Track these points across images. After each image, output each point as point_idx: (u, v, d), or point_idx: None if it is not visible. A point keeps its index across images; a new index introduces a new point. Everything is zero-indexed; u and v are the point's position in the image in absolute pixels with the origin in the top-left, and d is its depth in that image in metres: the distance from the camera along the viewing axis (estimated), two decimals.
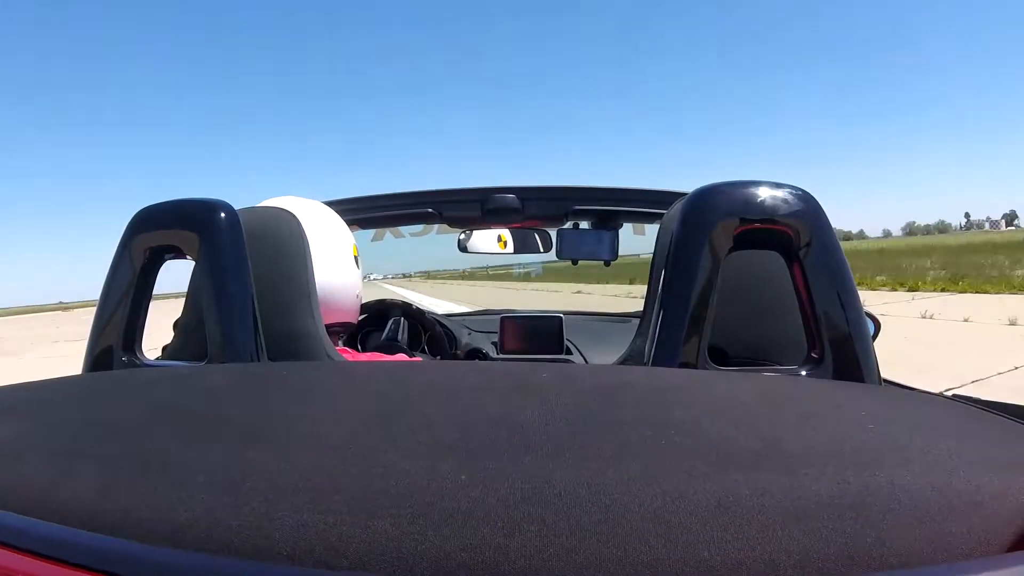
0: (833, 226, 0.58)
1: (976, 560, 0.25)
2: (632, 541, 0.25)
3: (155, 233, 0.67)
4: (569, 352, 1.52)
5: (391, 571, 0.24)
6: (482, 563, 0.24)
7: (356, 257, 0.92)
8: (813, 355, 0.57)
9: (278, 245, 0.74)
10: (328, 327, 0.80)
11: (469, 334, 1.66)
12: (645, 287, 0.71)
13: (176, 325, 0.79)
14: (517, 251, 1.58)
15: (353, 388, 0.45)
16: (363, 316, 1.51)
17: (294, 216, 0.77)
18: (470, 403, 0.39)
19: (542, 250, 1.59)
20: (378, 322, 1.45)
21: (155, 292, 0.69)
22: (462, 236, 1.57)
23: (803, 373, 0.56)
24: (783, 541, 0.25)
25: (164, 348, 0.80)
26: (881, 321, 0.99)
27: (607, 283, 18.41)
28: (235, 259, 0.65)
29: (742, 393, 0.42)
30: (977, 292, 10.11)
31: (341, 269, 0.88)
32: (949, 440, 0.35)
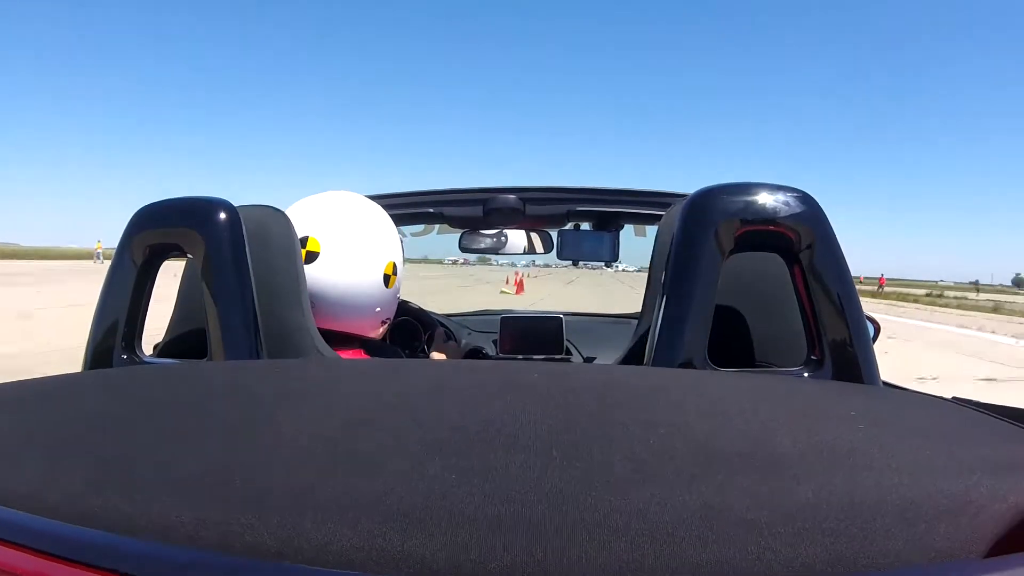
0: None
1: (962, 562, 0.25)
2: (620, 541, 0.24)
3: (156, 231, 0.67)
4: (569, 352, 1.52)
5: (378, 568, 0.24)
6: (469, 562, 0.24)
7: (389, 276, 0.87)
8: (813, 357, 0.56)
9: (269, 242, 0.74)
10: (326, 331, 0.79)
11: (469, 334, 1.66)
12: None
13: (170, 322, 0.78)
14: (517, 252, 1.59)
15: (345, 386, 0.45)
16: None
17: (284, 215, 0.77)
18: (460, 402, 0.39)
19: (543, 250, 1.59)
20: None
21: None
22: (463, 236, 1.57)
23: (803, 375, 0.56)
24: (770, 541, 0.24)
25: (156, 346, 0.80)
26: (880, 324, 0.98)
27: None
28: (236, 257, 0.65)
29: (735, 394, 0.42)
30: None
31: (360, 278, 0.83)
32: (941, 442, 0.35)
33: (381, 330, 0.94)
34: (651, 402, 0.39)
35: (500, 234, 1.59)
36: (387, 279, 0.87)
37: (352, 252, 0.84)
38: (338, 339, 0.83)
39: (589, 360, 1.54)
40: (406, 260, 0.98)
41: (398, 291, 0.93)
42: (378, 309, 0.88)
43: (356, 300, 0.85)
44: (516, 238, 1.60)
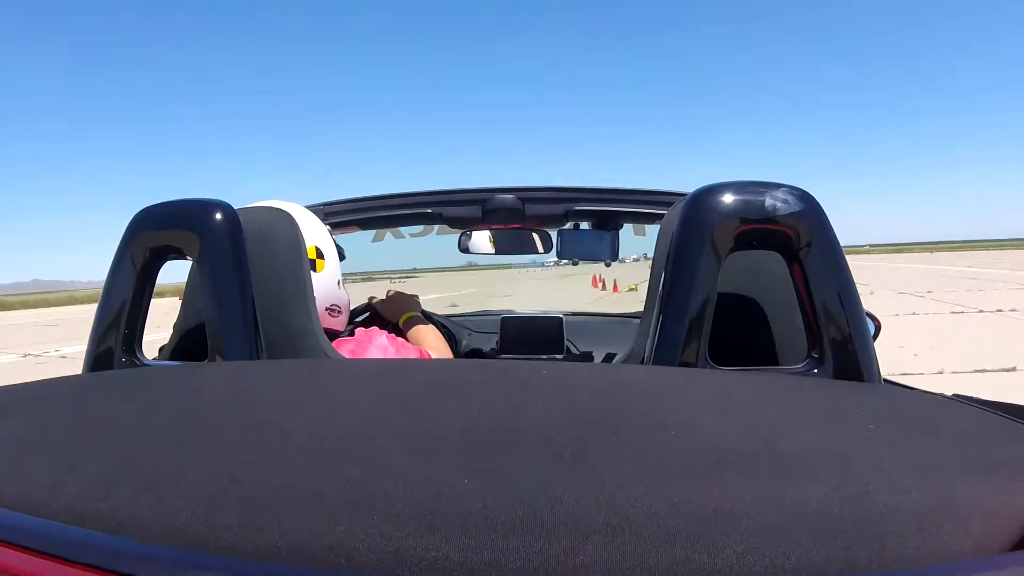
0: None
1: (973, 560, 0.25)
2: (631, 543, 0.24)
3: (155, 233, 0.67)
4: (570, 352, 1.52)
5: (389, 570, 0.24)
6: (481, 563, 0.24)
7: (313, 260, 0.88)
8: (813, 355, 0.57)
9: (275, 245, 0.74)
10: None
11: (470, 334, 1.66)
12: None
13: (175, 325, 0.79)
14: (517, 252, 1.59)
15: (353, 387, 0.45)
16: (366, 316, 1.51)
17: (290, 216, 0.77)
18: (470, 403, 0.39)
19: (542, 250, 1.59)
20: (380, 321, 1.45)
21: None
22: (462, 237, 1.57)
23: (803, 373, 0.56)
24: (782, 544, 0.24)
25: (161, 349, 0.80)
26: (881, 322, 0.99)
27: None
28: (235, 259, 0.65)
29: (741, 393, 0.42)
30: None
31: None
32: (950, 442, 0.35)
33: (336, 319, 0.94)
34: (660, 402, 0.39)
35: (499, 236, 1.59)
36: (312, 264, 0.88)
37: None
38: None
39: (588, 359, 1.55)
40: (352, 276, 0.98)
41: (336, 278, 0.94)
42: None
43: None
44: (514, 239, 1.60)
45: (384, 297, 1.37)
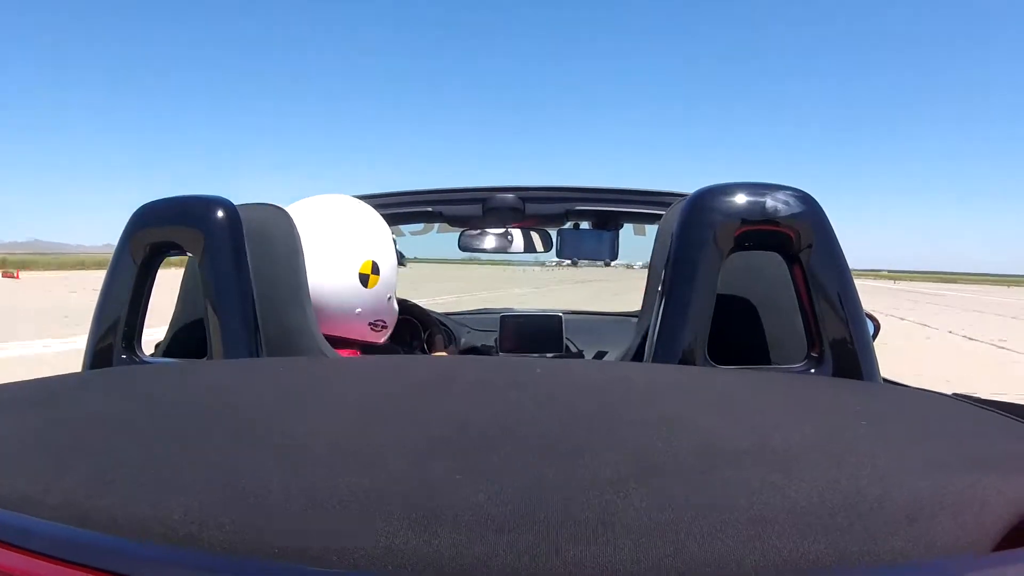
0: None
1: (964, 557, 0.25)
2: (624, 538, 0.24)
3: (156, 230, 0.67)
4: (569, 351, 1.52)
5: (382, 567, 0.24)
6: (473, 560, 0.24)
7: (367, 275, 0.84)
8: (813, 354, 0.57)
9: (271, 242, 0.74)
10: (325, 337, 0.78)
11: (468, 332, 1.67)
12: None
13: (171, 321, 0.79)
14: (516, 251, 1.59)
15: (349, 385, 0.45)
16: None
17: (286, 213, 0.77)
18: (465, 400, 0.39)
19: (542, 249, 1.59)
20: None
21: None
22: (463, 235, 1.58)
23: (803, 372, 0.56)
24: (774, 538, 0.24)
25: (157, 345, 0.80)
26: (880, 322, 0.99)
27: None
28: (236, 256, 0.65)
29: (737, 390, 0.42)
30: None
31: (334, 278, 0.82)
32: (944, 438, 0.35)
33: (378, 334, 0.91)
34: (655, 399, 0.39)
35: (499, 234, 1.59)
36: (364, 279, 0.85)
37: (320, 253, 0.82)
38: (335, 343, 0.82)
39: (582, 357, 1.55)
40: None
41: (387, 293, 0.90)
42: (359, 310, 0.86)
43: (331, 301, 0.83)
44: (515, 238, 1.60)
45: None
